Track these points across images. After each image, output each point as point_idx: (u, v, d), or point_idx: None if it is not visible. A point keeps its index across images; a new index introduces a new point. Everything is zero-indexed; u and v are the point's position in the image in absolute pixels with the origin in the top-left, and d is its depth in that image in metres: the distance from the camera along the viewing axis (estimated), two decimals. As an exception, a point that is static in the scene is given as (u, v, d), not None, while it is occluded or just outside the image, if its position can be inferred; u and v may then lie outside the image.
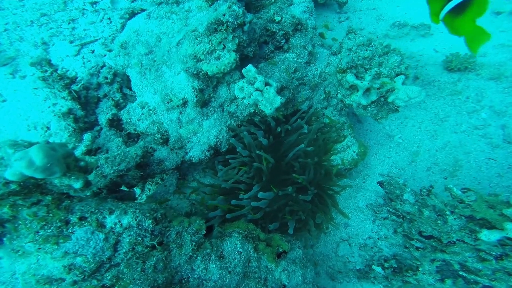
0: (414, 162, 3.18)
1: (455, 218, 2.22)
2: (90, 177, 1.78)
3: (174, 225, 1.71)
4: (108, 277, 1.43)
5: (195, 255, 1.76)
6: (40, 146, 1.22)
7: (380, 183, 2.81)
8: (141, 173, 2.19)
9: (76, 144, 2.26)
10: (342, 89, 2.53)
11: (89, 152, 2.30)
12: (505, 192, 2.90)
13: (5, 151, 1.23)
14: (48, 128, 2.55)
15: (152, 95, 2.48)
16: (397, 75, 2.40)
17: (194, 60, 2.17)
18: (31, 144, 1.33)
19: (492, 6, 4.07)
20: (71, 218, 1.41)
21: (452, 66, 3.40)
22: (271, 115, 2.25)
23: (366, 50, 2.45)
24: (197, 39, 2.15)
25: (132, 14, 2.88)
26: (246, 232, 2.07)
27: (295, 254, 2.26)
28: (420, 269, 2.57)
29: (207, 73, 2.18)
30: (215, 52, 2.17)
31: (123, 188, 2.15)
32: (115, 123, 2.65)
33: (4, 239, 1.36)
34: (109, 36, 2.82)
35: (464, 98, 3.29)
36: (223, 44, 2.15)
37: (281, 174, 2.59)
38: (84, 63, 2.78)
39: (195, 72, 2.15)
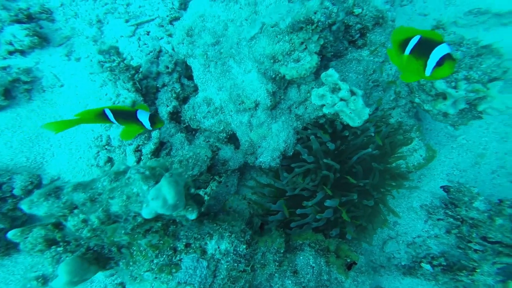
0: (477, 164, 3.02)
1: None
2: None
3: (260, 246, 1.72)
4: (209, 303, 1.49)
5: (273, 272, 1.79)
6: (169, 182, 1.16)
7: (445, 189, 2.71)
8: (211, 177, 2.14)
9: (145, 142, 2.19)
10: (422, 93, 2.32)
11: (157, 150, 2.24)
12: None
13: (141, 187, 1.19)
14: (110, 120, 2.46)
15: (216, 91, 2.33)
16: (490, 80, 2.17)
17: (271, 61, 1.98)
18: (153, 170, 1.27)
19: None
20: (178, 245, 1.44)
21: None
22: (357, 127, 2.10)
23: (457, 50, 2.19)
24: (277, 36, 1.93)
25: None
26: (317, 246, 2.06)
27: (360, 262, 2.27)
28: (478, 270, 2.57)
29: (284, 76, 2.00)
30: (294, 53, 1.97)
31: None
32: (175, 116, 2.54)
33: (120, 262, 1.41)
34: (167, 16, 2.57)
35: (552, 99, 2.98)
36: (305, 45, 1.94)
37: (343, 177, 2.51)
38: (139, 46, 2.59)
39: (273, 76, 1.98)
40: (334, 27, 1.90)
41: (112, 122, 1.75)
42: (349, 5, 2.29)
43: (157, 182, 1.17)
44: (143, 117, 1.70)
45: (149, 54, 2.50)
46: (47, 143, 2.67)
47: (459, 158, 3.06)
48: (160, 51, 2.56)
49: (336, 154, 2.45)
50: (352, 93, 1.94)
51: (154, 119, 1.72)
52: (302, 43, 1.93)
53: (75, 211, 1.23)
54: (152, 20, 2.57)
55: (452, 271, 2.60)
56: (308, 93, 2.22)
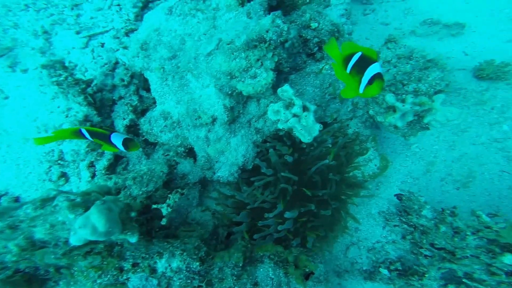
0: (429, 172, 3.21)
1: (475, 239, 2.32)
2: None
3: (217, 261, 1.72)
4: (162, 320, 1.47)
5: (232, 286, 1.79)
6: (100, 210, 1.14)
7: (398, 197, 2.84)
8: (168, 192, 2.11)
9: (98, 158, 2.11)
10: (376, 106, 2.43)
11: (111, 165, 2.17)
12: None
13: (66, 216, 1.15)
14: (61, 132, 2.36)
15: (175, 104, 2.30)
16: (435, 93, 2.31)
17: (228, 77, 1.99)
18: (87, 196, 1.24)
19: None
20: (125, 265, 1.42)
21: (483, 75, 3.25)
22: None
23: (407, 63, 2.32)
24: (233, 53, 1.94)
25: (146, 2, 2.57)
26: (276, 258, 2.09)
27: (319, 271, 2.33)
28: (426, 275, 2.73)
29: (241, 92, 2.02)
30: (251, 69, 1.99)
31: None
32: (132, 129, 2.47)
33: (61, 282, 1.38)
34: (122, 28, 2.50)
35: (489, 108, 3.21)
36: (261, 62, 1.96)
37: (302, 187, 2.57)
38: (94, 58, 2.51)
39: (229, 92, 1.99)
40: (286, 44, 1.94)
41: (89, 140, 1.78)
42: (306, 19, 2.36)
43: (87, 209, 1.15)
44: (117, 140, 1.72)
45: (103, 66, 2.42)
46: (-12, 158, 2.51)
47: (412, 166, 3.23)
48: (116, 63, 2.49)
49: (295, 166, 2.50)
50: (305, 108, 2.00)
51: (128, 143, 1.75)
52: (258, 60, 1.95)
53: (-6, 237, 1.16)
54: (106, 31, 2.49)
55: (406, 275, 2.74)
56: (267, 106, 2.25)
